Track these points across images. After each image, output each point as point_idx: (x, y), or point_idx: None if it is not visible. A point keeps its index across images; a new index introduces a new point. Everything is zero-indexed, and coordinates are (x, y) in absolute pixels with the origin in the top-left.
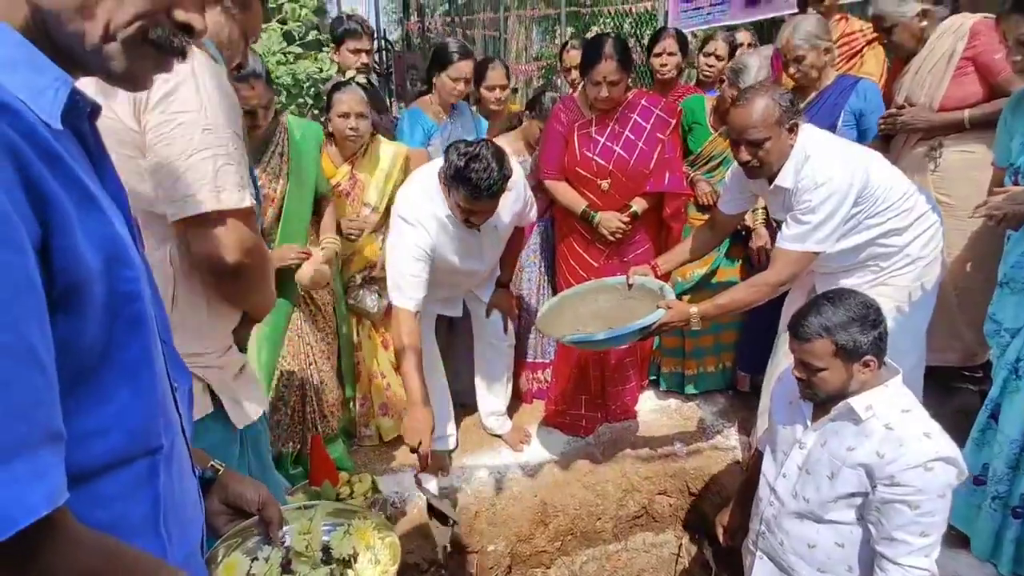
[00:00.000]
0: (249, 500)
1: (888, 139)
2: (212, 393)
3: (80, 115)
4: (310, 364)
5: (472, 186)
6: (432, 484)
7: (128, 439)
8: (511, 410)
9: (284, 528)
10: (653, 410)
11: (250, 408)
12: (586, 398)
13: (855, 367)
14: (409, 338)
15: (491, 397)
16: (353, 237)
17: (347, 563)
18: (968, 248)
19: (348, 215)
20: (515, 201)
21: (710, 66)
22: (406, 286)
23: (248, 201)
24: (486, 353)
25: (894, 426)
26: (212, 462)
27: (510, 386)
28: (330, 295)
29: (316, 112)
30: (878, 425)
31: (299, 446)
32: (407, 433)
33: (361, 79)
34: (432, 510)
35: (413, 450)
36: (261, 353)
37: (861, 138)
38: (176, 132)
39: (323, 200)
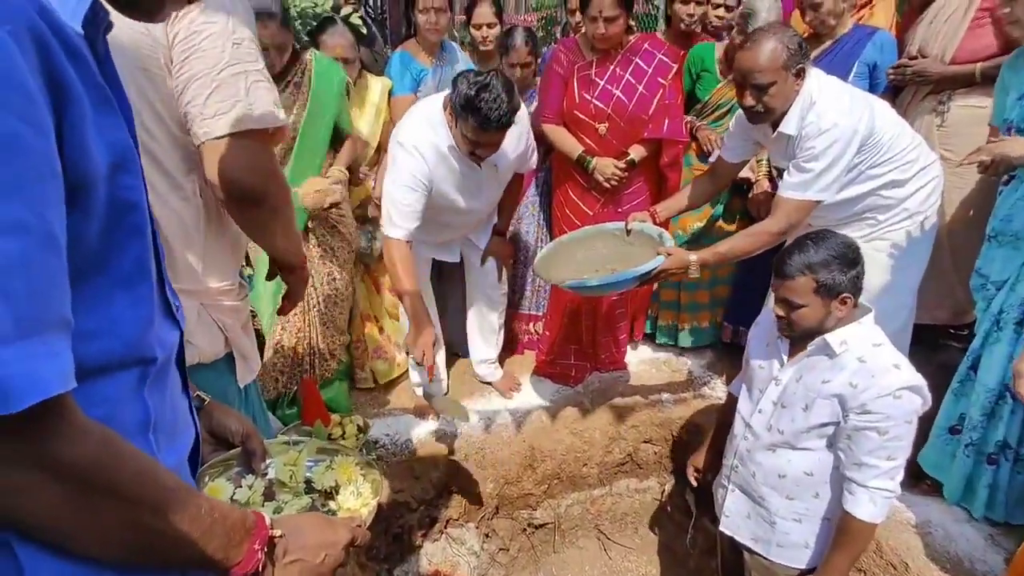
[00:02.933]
0: (233, 431)
1: (897, 92)
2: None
3: (98, 28)
4: (313, 306)
5: (481, 116)
6: (438, 386)
7: (123, 346)
8: (503, 360)
9: (268, 461)
10: (643, 362)
11: (253, 365)
12: (576, 348)
13: (833, 304)
14: (403, 263)
15: (483, 345)
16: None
17: (328, 495)
18: (966, 205)
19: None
20: (518, 141)
21: (720, 17)
22: (398, 216)
23: (284, 119)
24: (479, 301)
25: (866, 359)
26: (198, 392)
27: (502, 335)
28: (344, 235)
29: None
30: (851, 358)
31: (295, 387)
32: (412, 348)
33: (356, 18)
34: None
35: (419, 363)
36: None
37: (871, 92)
38: (206, 44)
39: (346, 138)
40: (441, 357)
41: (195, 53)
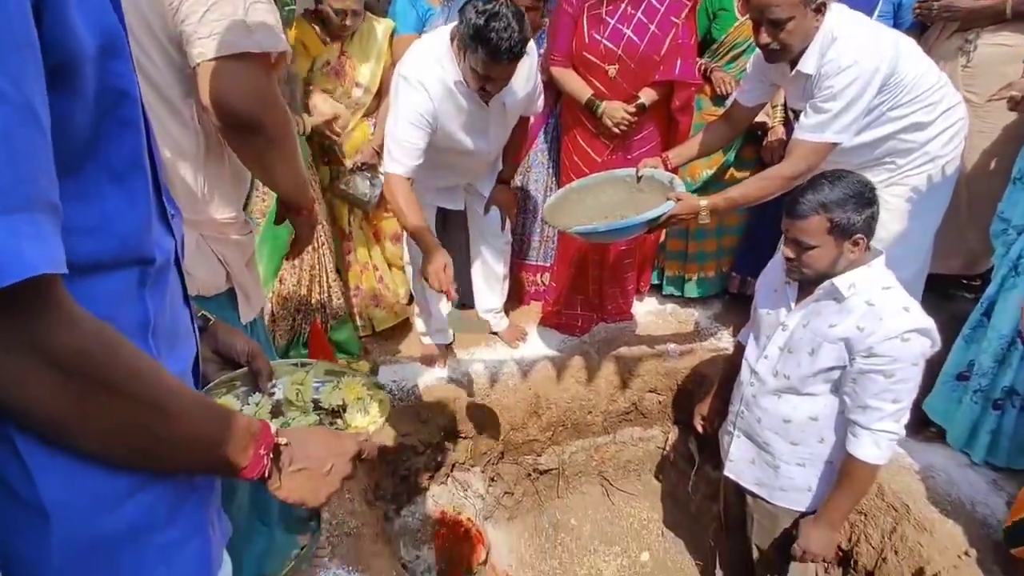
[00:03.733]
0: (239, 351)
1: (924, 30)
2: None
3: None
4: (321, 245)
5: (491, 47)
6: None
7: (119, 243)
8: (509, 311)
9: (275, 381)
10: (650, 312)
11: (255, 302)
12: (583, 299)
13: (846, 245)
14: (405, 198)
15: (488, 294)
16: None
17: (336, 413)
18: (987, 151)
19: (338, 96)
20: (527, 78)
21: None
22: (400, 153)
23: (284, 44)
24: (483, 251)
25: (875, 302)
26: (202, 312)
27: (507, 284)
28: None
29: None
30: (859, 302)
31: (307, 328)
32: (430, 278)
33: None
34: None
35: (439, 291)
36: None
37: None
38: None
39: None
40: (446, 305)
41: None
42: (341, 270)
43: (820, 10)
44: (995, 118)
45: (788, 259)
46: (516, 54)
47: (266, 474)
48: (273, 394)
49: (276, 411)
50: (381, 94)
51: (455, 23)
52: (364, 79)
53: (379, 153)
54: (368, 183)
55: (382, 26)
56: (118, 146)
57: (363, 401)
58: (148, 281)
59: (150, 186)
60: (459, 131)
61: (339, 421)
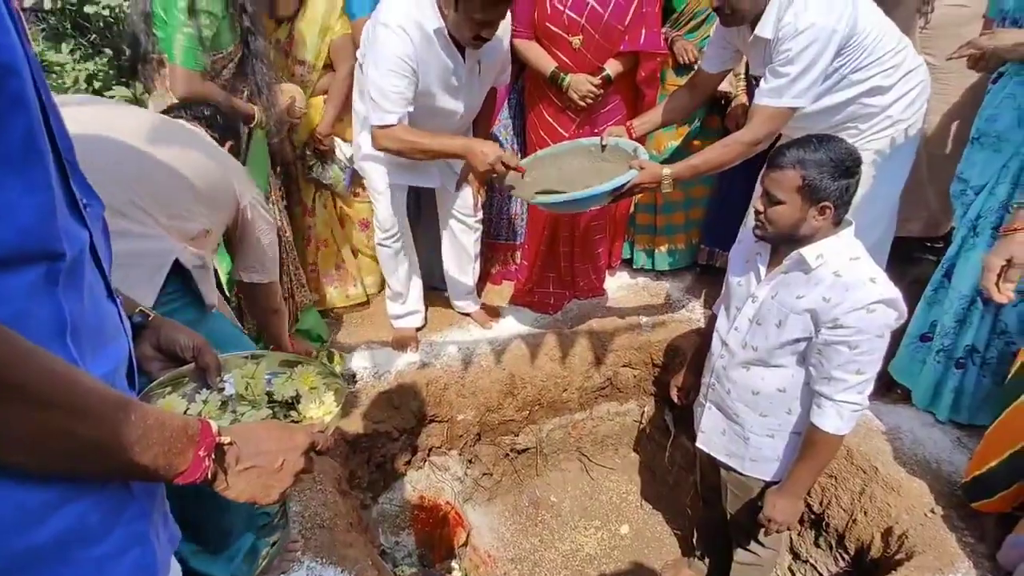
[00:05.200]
0: (183, 345)
1: None
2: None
3: None
4: (285, 232)
5: None
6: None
7: (19, 236)
8: (480, 290)
9: (224, 376)
10: (621, 287)
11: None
12: (554, 276)
13: (811, 210)
14: (412, 133)
15: (459, 275)
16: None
17: (290, 405)
18: (946, 113)
19: (284, 75)
20: (504, 37)
21: None
22: (388, 103)
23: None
24: (455, 230)
25: (842, 273)
26: (140, 307)
27: (478, 264)
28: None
29: None
30: (827, 272)
31: None
32: (492, 167)
33: None
34: None
35: (502, 172)
36: None
37: None
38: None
39: None
40: (417, 287)
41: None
42: (300, 249)
43: None
44: (954, 80)
45: (756, 212)
46: None
47: (208, 476)
48: (223, 389)
49: (226, 406)
50: (327, 70)
51: None
52: (307, 56)
53: (322, 142)
54: (337, 168)
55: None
56: (7, 129)
57: (318, 391)
58: (60, 278)
59: (52, 171)
60: (435, 84)
61: (293, 413)
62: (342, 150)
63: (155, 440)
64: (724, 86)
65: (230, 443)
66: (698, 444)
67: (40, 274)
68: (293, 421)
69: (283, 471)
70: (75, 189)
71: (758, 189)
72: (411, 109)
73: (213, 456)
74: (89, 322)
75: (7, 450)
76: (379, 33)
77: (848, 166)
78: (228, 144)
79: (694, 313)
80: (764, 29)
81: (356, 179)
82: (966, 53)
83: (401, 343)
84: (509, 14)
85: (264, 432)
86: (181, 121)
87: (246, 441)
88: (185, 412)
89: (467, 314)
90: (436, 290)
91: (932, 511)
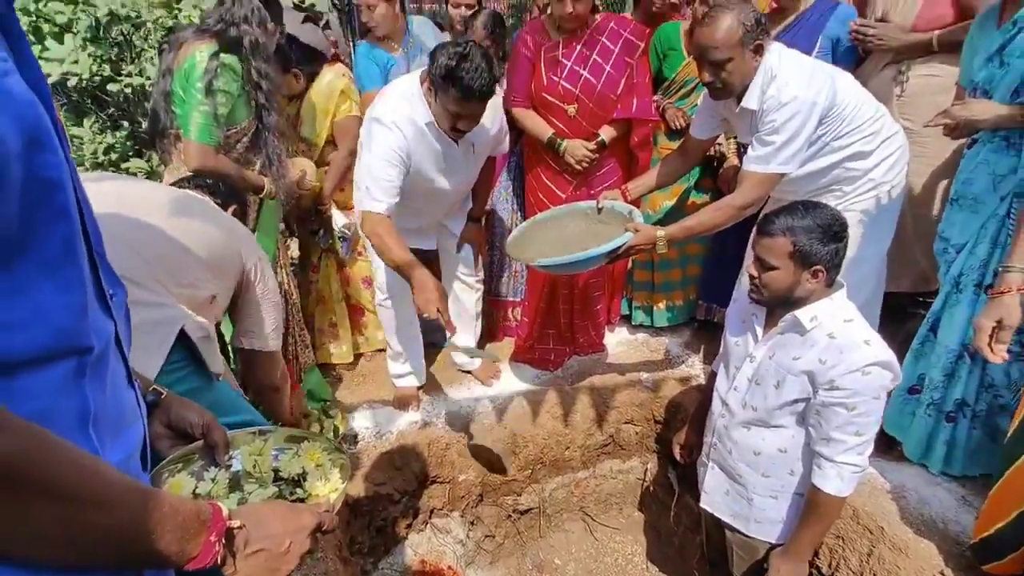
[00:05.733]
0: (193, 423)
1: (859, 64)
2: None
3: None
4: (291, 294)
5: (463, 87)
6: (463, 339)
7: (54, 336)
8: (482, 347)
9: (232, 452)
10: (621, 343)
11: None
12: (554, 333)
13: (804, 274)
14: (389, 235)
15: (461, 333)
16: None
17: (296, 482)
18: (928, 174)
19: (295, 148)
20: (494, 118)
21: None
22: (379, 191)
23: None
24: (456, 289)
25: (837, 335)
26: (154, 385)
27: (480, 322)
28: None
29: None
30: (822, 334)
31: None
32: (425, 307)
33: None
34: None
35: (431, 318)
36: None
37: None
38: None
39: None
40: (418, 346)
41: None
42: (304, 306)
43: (758, 51)
44: (932, 143)
45: (751, 277)
46: (487, 93)
47: (219, 561)
48: (231, 466)
49: (234, 484)
50: (327, 148)
51: (422, 68)
52: (307, 134)
53: (323, 212)
54: (346, 245)
55: (327, 79)
56: (51, 237)
57: (323, 468)
58: (87, 371)
59: (86, 270)
60: (431, 169)
61: (299, 490)
62: (335, 220)
63: (169, 527)
64: (716, 150)
65: (240, 526)
66: (702, 504)
67: (70, 368)
68: (299, 499)
69: (290, 553)
70: (103, 280)
71: (750, 254)
72: (398, 199)
73: (223, 540)
74: (110, 410)
75: (28, 544)
76: (373, 128)
77: (836, 231)
78: (232, 208)
79: (694, 368)
80: (750, 101)
81: (355, 242)
82: (941, 122)
83: (403, 402)
84: (506, 84)
85: (271, 514)
86: (187, 190)
87: (255, 524)
88: (194, 491)
89: (468, 371)
90: (436, 345)
91: (942, 573)
